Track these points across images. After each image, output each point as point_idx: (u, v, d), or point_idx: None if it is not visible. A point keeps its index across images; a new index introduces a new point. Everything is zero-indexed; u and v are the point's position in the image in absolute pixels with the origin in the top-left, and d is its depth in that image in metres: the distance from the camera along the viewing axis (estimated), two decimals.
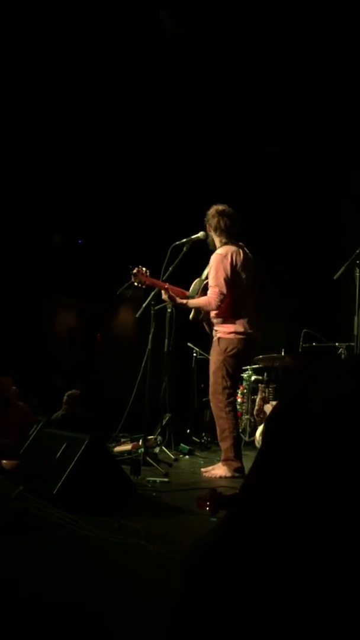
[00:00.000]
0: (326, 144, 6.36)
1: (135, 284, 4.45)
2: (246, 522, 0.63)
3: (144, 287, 4.46)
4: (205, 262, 4.43)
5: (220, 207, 4.27)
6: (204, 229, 4.41)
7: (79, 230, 8.09)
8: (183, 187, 7.12)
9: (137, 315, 4.87)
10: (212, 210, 4.29)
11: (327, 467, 0.58)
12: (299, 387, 0.67)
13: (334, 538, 0.56)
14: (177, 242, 4.45)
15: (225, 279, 4.10)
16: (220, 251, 4.21)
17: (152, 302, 4.61)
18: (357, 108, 5.69)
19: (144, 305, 4.69)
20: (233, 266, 4.15)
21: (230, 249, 4.19)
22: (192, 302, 4.31)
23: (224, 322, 4.21)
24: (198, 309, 4.38)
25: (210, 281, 4.17)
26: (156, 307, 4.67)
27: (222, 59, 5.54)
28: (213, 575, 0.62)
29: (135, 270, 4.40)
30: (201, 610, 0.61)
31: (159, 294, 4.59)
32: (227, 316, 4.19)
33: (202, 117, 6.36)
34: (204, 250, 4.44)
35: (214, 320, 4.27)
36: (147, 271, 4.45)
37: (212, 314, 4.26)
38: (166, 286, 4.39)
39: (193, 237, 4.42)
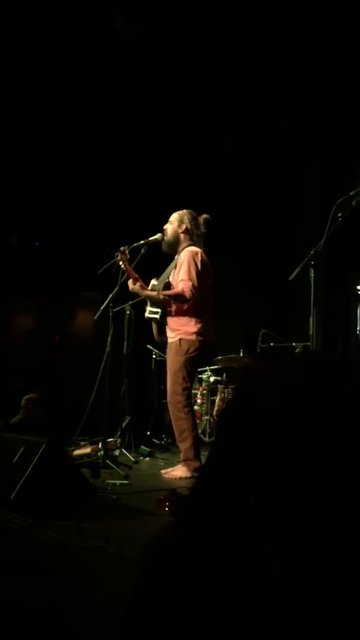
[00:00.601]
0: (284, 146, 6.45)
1: (120, 263, 4.35)
2: (196, 524, 0.63)
3: (123, 268, 4.38)
4: (162, 264, 4.45)
5: (191, 211, 4.40)
6: (160, 230, 4.44)
7: (36, 232, 7.98)
8: (139, 188, 7.12)
9: (95, 317, 4.85)
10: (185, 212, 4.38)
11: (280, 462, 0.59)
12: (249, 385, 0.68)
13: (293, 534, 0.57)
14: (135, 244, 4.45)
15: (197, 274, 4.16)
16: (192, 249, 4.27)
17: (111, 304, 4.59)
18: (316, 112, 5.79)
19: (102, 307, 4.67)
20: (202, 266, 4.22)
21: (199, 250, 4.27)
22: (165, 293, 4.29)
23: (187, 322, 4.23)
24: (157, 306, 4.39)
25: (183, 275, 4.19)
26: (115, 309, 4.65)
27: (181, 59, 5.55)
28: (163, 578, 0.62)
29: (122, 249, 4.35)
30: (151, 611, 0.62)
31: (117, 296, 4.58)
32: (191, 317, 4.22)
33: (157, 118, 6.36)
34: (160, 252, 4.46)
35: (175, 321, 4.28)
36: (129, 254, 4.39)
37: (174, 314, 4.27)
38: (136, 276, 4.37)
39: (151, 238, 4.43)
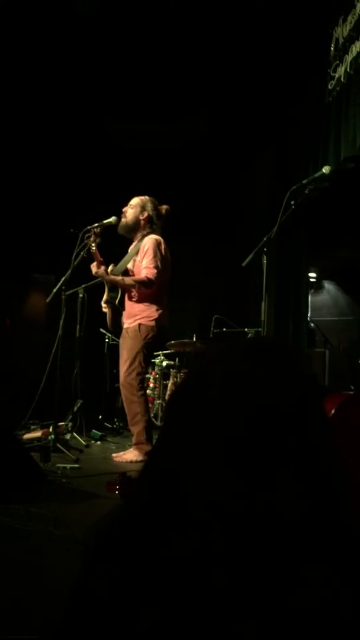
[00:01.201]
0: (236, 130, 6.47)
1: (93, 246, 4.25)
2: (140, 508, 0.63)
3: (93, 251, 4.26)
4: (115, 248, 4.41)
5: (153, 199, 4.39)
6: (114, 214, 4.39)
7: None
8: (91, 171, 7.03)
9: (47, 300, 4.78)
10: (148, 199, 4.37)
11: (226, 448, 0.60)
12: (197, 370, 0.68)
13: (235, 520, 0.58)
14: (89, 227, 4.39)
15: (160, 261, 4.17)
16: (155, 237, 4.27)
17: (63, 287, 4.53)
18: (268, 95, 5.82)
19: (54, 290, 4.60)
20: (164, 254, 4.24)
21: (160, 238, 4.28)
22: (128, 279, 4.25)
23: (148, 308, 4.24)
24: (114, 291, 4.37)
25: (147, 262, 4.17)
26: (67, 293, 4.59)
27: (135, 40, 5.48)
28: (107, 560, 0.62)
29: (96, 231, 4.25)
30: (95, 594, 0.62)
31: (70, 279, 4.52)
32: (152, 303, 4.24)
33: (112, 99, 6.28)
34: (115, 236, 4.42)
35: (135, 307, 4.26)
36: (98, 237, 4.30)
37: (135, 300, 4.25)
38: (101, 260, 4.31)
39: (105, 221, 4.37)
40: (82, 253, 4.32)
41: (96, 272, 4.31)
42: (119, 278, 4.28)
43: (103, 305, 4.53)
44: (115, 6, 5.07)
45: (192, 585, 0.56)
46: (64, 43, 5.49)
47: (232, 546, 0.57)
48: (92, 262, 4.31)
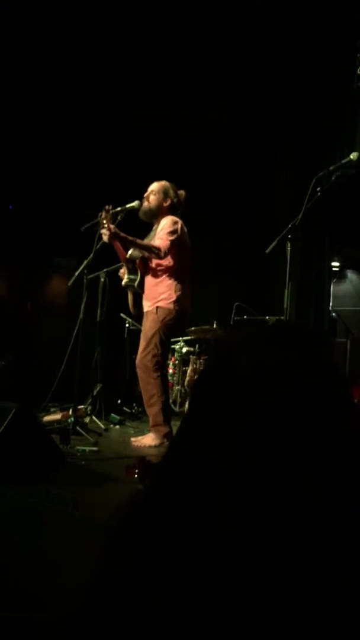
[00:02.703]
0: (262, 117, 6.39)
1: (104, 222, 4.15)
2: (169, 489, 0.63)
3: (104, 226, 4.13)
4: (137, 232, 4.40)
5: (173, 184, 4.35)
6: (137, 198, 4.36)
7: (9, 195, 7.81)
8: (114, 155, 7.01)
9: (69, 283, 4.79)
10: (168, 185, 4.33)
11: (254, 434, 0.59)
12: (223, 354, 0.67)
13: (261, 501, 0.57)
14: (112, 210, 4.37)
15: (177, 237, 4.13)
16: (173, 217, 4.23)
17: (85, 271, 4.54)
18: (294, 82, 5.73)
19: (76, 273, 4.61)
20: (182, 234, 4.20)
21: (180, 221, 4.24)
22: (143, 242, 4.21)
23: (167, 290, 4.20)
24: (134, 273, 4.36)
25: (161, 234, 4.14)
26: (89, 276, 4.60)
27: (161, 26, 5.43)
28: (131, 543, 0.61)
29: (106, 207, 4.19)
30: (118, 576, 0.62)
31: (92, 263, 4.52)
32: (170, 285, 4.20)
33: (136, 86, 6.24)
34: (136, 221, 4.40)
35: (154, 289, 4.24)
36: (112, 215, 4.22)
37: (154, 281, 4.23)
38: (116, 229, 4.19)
39: (128, 205, 4.35)
40: (94, 229, 4.27)
41: (106, 236, 4.14)
42: (132, 239, 4.19)
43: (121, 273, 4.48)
44: None
45: (216, 573, 0.55)
46: (93, 30, 5.47)
47: (257, 531, 0.56)
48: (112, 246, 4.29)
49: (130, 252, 4.35)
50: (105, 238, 4.16)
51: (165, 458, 0.68)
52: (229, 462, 0.59)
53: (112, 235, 4.13)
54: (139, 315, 4.45)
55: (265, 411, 0.59)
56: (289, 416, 0.59)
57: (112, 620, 0.59)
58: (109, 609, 0.60)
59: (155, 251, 4.12)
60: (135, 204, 4.33)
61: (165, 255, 4.13)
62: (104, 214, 4.18)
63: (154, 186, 4.37)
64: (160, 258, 4.14)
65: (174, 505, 0.60)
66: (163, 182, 4.37)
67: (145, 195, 4.36)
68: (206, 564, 0.56)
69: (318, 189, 3.35)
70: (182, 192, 4.40)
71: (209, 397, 0.65)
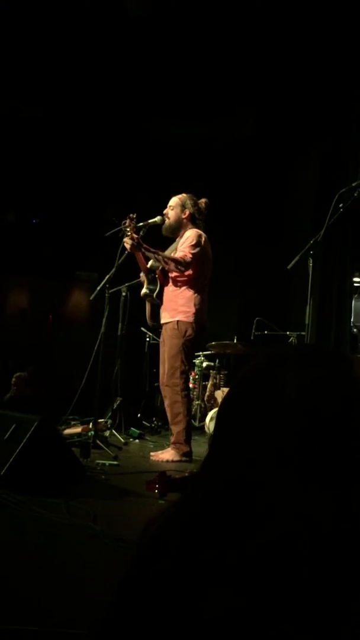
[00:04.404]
0: (284, 131, 6.41)
1: (128, 230, 4.21)
2: (210, 506, 0.63)
3: (128, 235, 4.19)
4: (160, 246, 4.43)
5: (191, 195, 4.37)
6: (160, 213, 4.40)
7: (33, 209, 7.93)
8: (137, 171, 7.08)
9: (91, 297, 4.83)
10: (186, 197, 4.36)
11: (306, 453, 0.59)
12: (262, 372, 0.67)
13: (327, 535, 0.57)
14: (136, 223, 4.41)
15: (199, 252, 4.15)
16: (196, 230, 4.25)
17: (107, 285, 4.58)
18: (316, 97, 5.75)
19: (98, 287, 4.65)
20: (205, 246, 4.22)
21: (203, 234, 4.26)
22: (163, 254, 4.23)
23: (187, 303, 4.20)
24: (153, 284, 4.38)
25: (184, 246, 4.16)
26: (111, 290, 4.64)
27: (183, 39, 5.49)
28: (174, 559, 0.61)
29: (130, 215, 4.24)
30: (150, 590, 0.62)
31: (114, 277, 4.56)
32: (190, 297, 4.21)
33: (159, 98, 6.31)
34: (159, 236, 4.43)
35: (174, 301, 4.25)
36: (136, 223, 4.25)
37: (174, 293, 4.24)
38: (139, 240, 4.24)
39: (150, 221, 4.39)
40: (119, 235, 4.29)
41: (128, 245, 4.20)
42: (154, 251, 4.23)
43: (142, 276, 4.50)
44: (164, 7, 5.09)
45: (257, 590, 0.55)
46: (114, 43, 5.55)
47: (302, 549, 0.56)
48: (135, 259, 4.32)
49: (150, 262, 4.37)
50: (127, 246, 4.21)
51: (202, 475, 0.68)
52: (274, 480, 0.59)
53: (135, 246, 4.17)
54: (155, 327, 4.46)
55: (313, 430, 0.60)
56: (336, 435, 0.60)
57: (143, 635, 0.60)
58: (142, 621, 0.60)
59: (178, 264, 4.14)
60: (157, 219, 4.37)
61: (187, 268, 4.14)
62: (127, 222, 4.23)
63: (172, 201, 4.41)
64: (182, 271, 4.16)
65: (216, 523, 0.60)
66: (181, 195, 4.40)
67: (164, 212, 4.39)
68: (245, 581, 0.56)
69: (340, 205, 3.35)
70: (202, 201, 4.40)
71: (250, 415, 0.64)
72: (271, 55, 5.52)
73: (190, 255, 4.12)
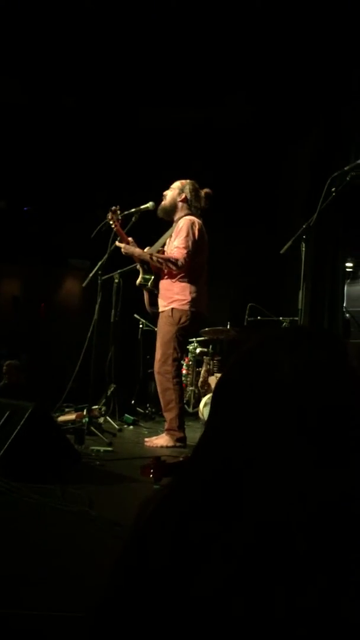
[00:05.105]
0: (277, 116, 6.38)
1: (111, 223, 4.28)
2: (205, 486, 0.63)
3: (113, 228, 4.31)
4: (153, 233, 4.42)
5: (194, 182, 4.37)
6: (151, 198, 4.39)
7: (24, 196, 7.86)
8: (129, 156, 7.03)
9: (83, 284, 4.82)
10: (188, 182, 4.35)
11: (303, 435, 0.59)
12: (257, 354, 0.66)
13: (318, 508, 0.57)
14: (126, 212, 4.40)
15: (193, 243, 4.13)
16: (190, 218, 4.23)
17: (100, 272, 4.56)
18: (309, 83, 5.72)
19: (90, 274, 4.63)
20: (200, 236, 4.20)
21: (198, 220, 4.25)
22: (157, 256, 4.24)
23: (182, 291, 4.20)
24: (148, 274, 4.38)
25: (179, 242, 4.15)
26: (103, 277, 4.62)
27: (176, 27, 5.43)
28: (168, 542, 0.61)
29: (113, 208, 4.28)
30: (146, 570, 0.62)
31: (106, 264, 4.55)
32: (185, 286, 4.20)
33: (151, 85, 6.25)
34: (152, 221, 4.42)
35: (169, 289, 4.25)
36: (120, 214, 4.32)
37: (168, 281, 4.24)
38: (130, 239, 4.33)
39: (142, 207, 4.38)
40: (102, 229, 4.33)
41: (124, 248, 4.30)
42: (147, 254, 4.26)
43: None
44: None
45: (249, 574, 0.56)
46: (106, 29, 5.48)
47: (299, 535, 0.56)
48: (121, 242, 4.33)
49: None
50: (121, 248, 4.30)
51: (197, 456, 0.68)
52: (269, 461, 0.59)
53: (128, 253, 4.27)
54: (155, 313, 4.46)
55: (309, 412, 0.60)
56: (331, 416, 0.60)
57: (140, 616, 0.60)
58: (138, 602, 0.60)
59: (172, 264, 4.14)
60: (149, 205, 4.36)
61: (182, 266, 4.13)
62: (110, 215, 4.24)
63: (174, 184, 4.40)
64: (179, 269, 4.15)
65: (211, 503, 0.61)
66: (183, 180, 4.39)
67: (164, 193, 4.39)
68: (238, 563, 0.56)
69: (333, 189, 3.34)
70: (204, 190, 4.38)
71: (244, 397, 0.64)
72: (265, 40, 5.47)
73: (185, 252, 4.11)
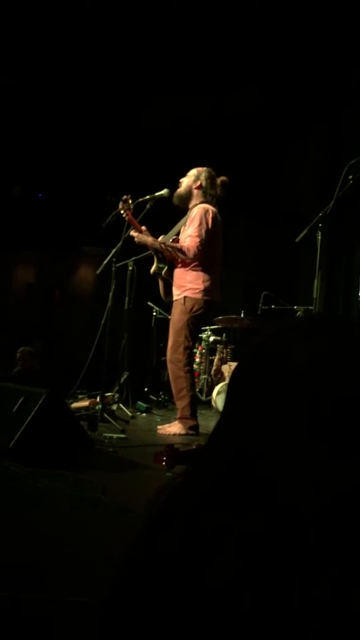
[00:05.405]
0: (291, 102, 6.30)
1: (122, 212, 4.27)
2: (219, 476, 0.62)
3: (125, 218, 4.29)
4: (167, 221, 4.39)
5: (211, 170, 4.32)
6: (165, 185, 4.36)
7: (39, 183, 7.87)
8: (142, 143, 6.99)
9: (97, 272, 4.81)
10: (204, 170, 4.30)
11: (317, 425, 0.58)
12: (272, 342, 0.66)
13: (329, 504, 0.56)
14: (141, 199, 4.38)
15: (206, 232, 4.10)
16: (204, 206, 4.19)
17: (114, 260, 4.55)
18: (323, 67, 5.63)
19: (104, 262, 4.63)
20: (214, 224, 4.16)
21: (212, 207, 4.21)
22: (169, 244, 4.21)
23: (195, 280, 4.17)
24: (162, 262, 4.36)
25: (192, 231, 4.12)
26: (117, 265, 4.61)
27: (186, 13, 5.37)
28: (181, 530, 0.61)
29: (124, 197, 4.26)
30: (158, 558, 0.62)
31: (120, 251, 4.54)
32: (198, 275, 4.17)
33: (163, 72, 6.19)
34: (167, 209, 4.39)
35: (182, 277, 4.23)
36: (132, 203, 4.30)
37: (182, 270, 4.22)
38: (143, 228, 4.31)
39: (157, 194, 4.35)
40: (113, 219, 4.32)
41: (137, 237, 4.28)
42: (159, 243, 4.23)
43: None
44: None
45: (266, 564, 0.55)
46: (118, 17, 5.44)
47: (315, 525, 0.55)
48: (134, 231, 4.32)
49: (160, 239, 4.35)
50: (134, 237, 4.27)
51: (211, 446, 0.68)
52: (282, 452, 0.59)
53: (141, 243, 4.25)
54: (170, 302, 4.44)
55: (324, 401, 0.59)
56: (346, 405, 0.59)
57: (151, 605, 0.59)
58: (150, 591, 0.60)
59: (184, 254, 4.12)
60: (164, 192, 4.33)
61: (195, 255, 4.11)
62: (121, 205, 4.23)
63: (191, 171, 4.35)
64: (191, 258, 4.13)
65: (225, 492, 0.60)
66: (200, 168, 4.34)
67: (180, 180, 4.35)
68: (250, 555, 0.56)
69: (350, 176, 3.30)
70: (220, 178, 4.32)
71: (258, 387, 0.63)
72: (278, 26, 5.39)
73: (197, 241, 4.08)
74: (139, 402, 5.32)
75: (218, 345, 6.23)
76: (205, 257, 4.18)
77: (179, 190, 4.32)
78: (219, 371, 6.11)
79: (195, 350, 6.15)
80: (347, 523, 0.56)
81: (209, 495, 0.61)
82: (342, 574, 0.54)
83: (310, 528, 0.55)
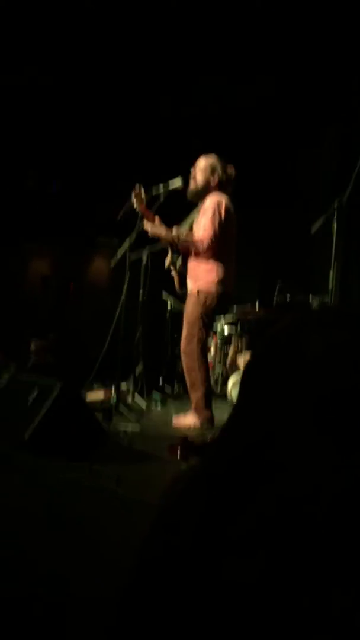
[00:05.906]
0: (306, 90, 6.22)
1: (135, 206, 4.23)
2: (233, 467, 0.62)
3: (137, 209, 4.24)
4: (182, 212, 4.36)
5: (218, 157, 4.24)
6: (178, 173, 4.30)
7: (54, 175, 7.88)
8: (156, 132, 6.96)
9: (112, 264, 4.81)
10: (215, 159, 4.22)
11: (329, 417, 0.58)
12: (287, 335, 0.65)
13: (335, 490, 0.56)
14: (154, 192, 4.34)
15: (219, 224, 4.07)
16: (217, 196, 4.13)
17: (128, 251, 4.54)
18: (338, 54, 5.56)
19: (119, 254, 4.62)
20: (227, 215, 4.11)
21: (226, 197, 4.15)
22: (181, 237, 4.18)
23: (209, 271, 4.15)
24: (176, 254, 4.34)
25: (204, 222, 4.08)
26: (132, 257, 4.60)
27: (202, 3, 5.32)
28: (196, 523, 0.61)
29: (137, 190, 4.22)
30: (172, 553, 0.61)
31: (135, 244, 4.52)
32: (211, 267, 4.14)
33: (176, 61, 6.14)
34: (181, 198, 4.35)
35: (196, 269, 4.20)
36: (145, 195, 4.25)
37: (196, 261, 4.19)
38: (157, 217, 4.26)
39: (170, 185, 4.30)
40: (127, 210, 4.29)
41: (151, 229, 4.22)
42: (172, 236, 4.18)
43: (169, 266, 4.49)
44: None
45: (281, 556, 0.54)
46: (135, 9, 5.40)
47: (328, 515, 0.54)
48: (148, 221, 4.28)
49: (174, 230, 4.32)
50: (146, 228, 4.23)
51: (225, 437, 0.67)
52: (299, 443, 0.58)
53: (154, 235, 4.21)
54: (185, 295, 4.42)
55: (338, 394, 0.58)
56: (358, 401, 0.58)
57: (167, 597, 0.59)
58: (165, 585, 0.60)
59: (197, 247, 4.09)
60: (178, 183, 4.24)
61: (208, 248, 4.07)
62: (133, 197, 4.19)
63: (201, 163, 4.22)
64: (204, 251, 4.09)
65: (239, 484, 0.60)
66: (210, 158, 4.23)
67: (192, 174, 4.27)
68: (269, 544, 0.55)
69: None
70: (230, 167, 4.25)
71: (271, 378, 0.63)
72: (296, 21, 5.32)
73: (210, 238, 4.04)
74: (154, 394, 5.32)
75: (233, 336, 6.21)
76: (219, 248, 4.13)
77: (195, 186, 4.21)
78: (233, 362, 6.09)
79: (210, 338, 6.13)
80: (356, 517, 0.55)
81: (223, 486, 0.61)
82: (350, 564, 0.53)
83: (321, 521, 0.55)
